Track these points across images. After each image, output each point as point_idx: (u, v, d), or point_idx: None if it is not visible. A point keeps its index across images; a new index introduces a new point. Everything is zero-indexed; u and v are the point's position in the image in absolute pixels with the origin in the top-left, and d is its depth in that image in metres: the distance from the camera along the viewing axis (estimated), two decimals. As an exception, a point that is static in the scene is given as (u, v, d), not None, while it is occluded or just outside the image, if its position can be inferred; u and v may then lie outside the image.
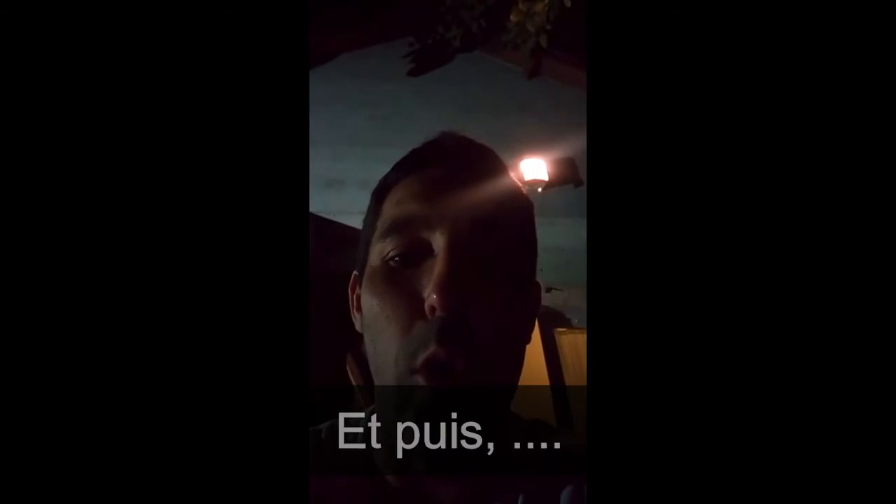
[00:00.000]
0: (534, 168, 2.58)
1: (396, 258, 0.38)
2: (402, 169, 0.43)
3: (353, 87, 2.98)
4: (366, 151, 2.65)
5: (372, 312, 0.38)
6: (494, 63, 3.04)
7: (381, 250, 0.39)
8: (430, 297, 0.35)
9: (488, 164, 0.42)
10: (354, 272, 0.46)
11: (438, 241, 0.37)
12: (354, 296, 0.45)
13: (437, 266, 0.35)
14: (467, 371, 0.36)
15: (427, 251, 0.37)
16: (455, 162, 0.41)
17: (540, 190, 2.52)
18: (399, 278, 0.38)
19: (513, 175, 0.44)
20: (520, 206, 0.43)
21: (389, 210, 0.40)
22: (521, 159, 2.58)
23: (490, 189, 0.39)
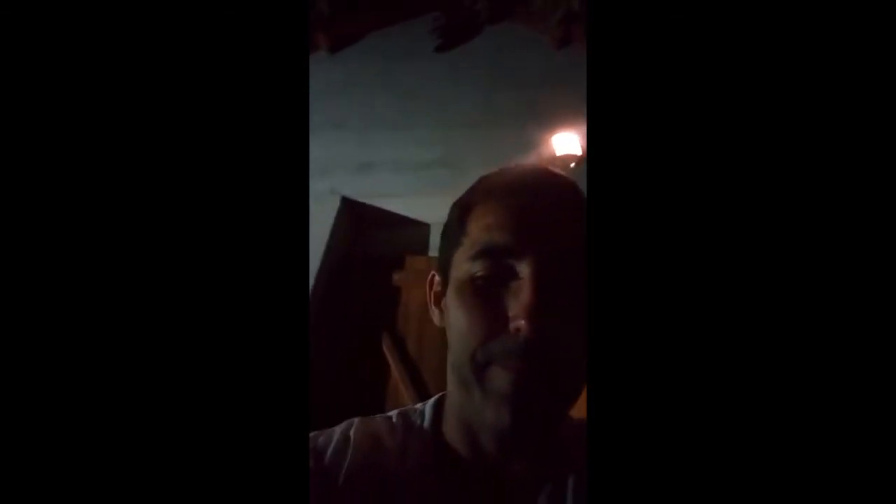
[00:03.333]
0: (567, 142, 2.52)
1: (484, 278, 0.43)
2: (488, 190, 0.47)
3: (380, 67, 2.98)
4: (394, 134, 2.64)
5: (458, 322, 0.44)
6: (524, 34, 2.97)
7: (469, 269, 0.44)
8: (517, 321, 0.40)
9: (570, 196, 0.46)
10: (433, 273, 0.52)
11: (524, 269, 0.42)
12: (433, 291, 0.52)
13: (525, 293, 0.40)
14: (544, 380, 0.40)
15: (512, 275, 0.42)
16: (541, 194, 0.45)
17: (573, 165, 2.47)
18: (485, 296, 0.43)
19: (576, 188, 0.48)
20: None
21: (478, 233, 0.45)
22: (554, 133, 2.52)
23: (570, 222, 0.43)
